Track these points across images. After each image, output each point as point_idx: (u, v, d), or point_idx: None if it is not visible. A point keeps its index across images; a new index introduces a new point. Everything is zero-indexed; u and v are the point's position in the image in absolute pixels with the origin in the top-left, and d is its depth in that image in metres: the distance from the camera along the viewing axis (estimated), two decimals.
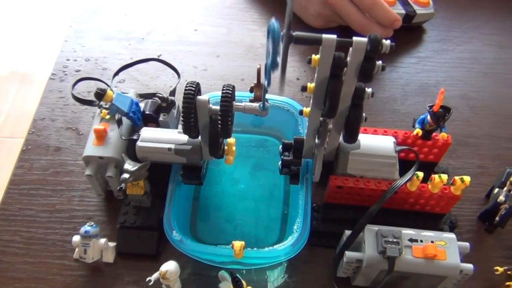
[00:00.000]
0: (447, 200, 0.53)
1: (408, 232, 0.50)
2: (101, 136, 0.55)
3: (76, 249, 0.54)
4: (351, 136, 0.50)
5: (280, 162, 0.56)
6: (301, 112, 0.51)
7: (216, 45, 0.78)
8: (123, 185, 0.52)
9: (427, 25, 0.83)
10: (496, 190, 0.59)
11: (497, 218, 0.58)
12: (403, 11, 0.76)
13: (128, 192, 0.54)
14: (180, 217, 0.55)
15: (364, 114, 0.48)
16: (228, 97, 0.46)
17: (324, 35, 0.42)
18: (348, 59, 0.44)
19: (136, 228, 0.56)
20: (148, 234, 0.56)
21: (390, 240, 0.48)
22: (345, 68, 0.44)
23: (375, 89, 0.55)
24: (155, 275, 0.49)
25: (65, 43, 0.77)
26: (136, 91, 0.61)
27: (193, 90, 0.46)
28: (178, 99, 0.56)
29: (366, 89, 0.46)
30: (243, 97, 0.52)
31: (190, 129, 0.48)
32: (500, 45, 0.82)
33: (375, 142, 0.54)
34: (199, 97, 0.47)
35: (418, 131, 0.56)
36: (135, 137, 0.54)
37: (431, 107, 0.54)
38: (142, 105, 0.59)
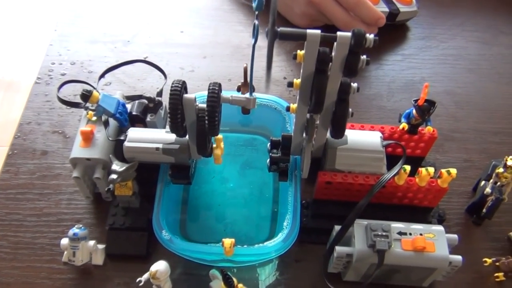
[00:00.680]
0: (434, 193, 0.53)
1: (397, 225, 0.50)
2: (88, 138, 0.55)
3: (65, 252, 0.53)
4: (338, 131, 0.51)
5: (268, 160, 0.56)
6: (288, 109, 0.51)
7: (203, 46, 0.78)
8: (111, 186, 0.51)
9: (411, 23, 0.84)
10: (483, 183, 0.60)
11: (484, 210, 0.58)
12: (386, 9, 0.77)
13: (117, 193, 0.53)
14: (170, 217, 0.55)
15: (350, 110, 0.49)
16: (214, 93, 0.46)
17: (309, 30, 0.43)
18: (333, 54, 0.44)
19: (126, 229, 0.55)
20: (138, 235, 0.55)
21: (380, 233, 0.49)
22: (330, 63, 0.45)
23: (361, 86, 0.56)
24: (145, 276, 0.49)
25: (50, 47, 0.77)
26: (122, 93, 0.61)
27: (179, 88, 0.46)
28: (166, 100, 0.56)
29: (352, 84, 0.47)
30: None
31: (177, 127, 0.48)
32: (484, 41, 0.83)
33: (362, 137, 0.54)
34: (185, 95, 0.47)
35: (404, 125, 0.56)
36: (122, 138, 0.54)
37: (416, 101, 0.54)
38: (129, 106, 0.58)
